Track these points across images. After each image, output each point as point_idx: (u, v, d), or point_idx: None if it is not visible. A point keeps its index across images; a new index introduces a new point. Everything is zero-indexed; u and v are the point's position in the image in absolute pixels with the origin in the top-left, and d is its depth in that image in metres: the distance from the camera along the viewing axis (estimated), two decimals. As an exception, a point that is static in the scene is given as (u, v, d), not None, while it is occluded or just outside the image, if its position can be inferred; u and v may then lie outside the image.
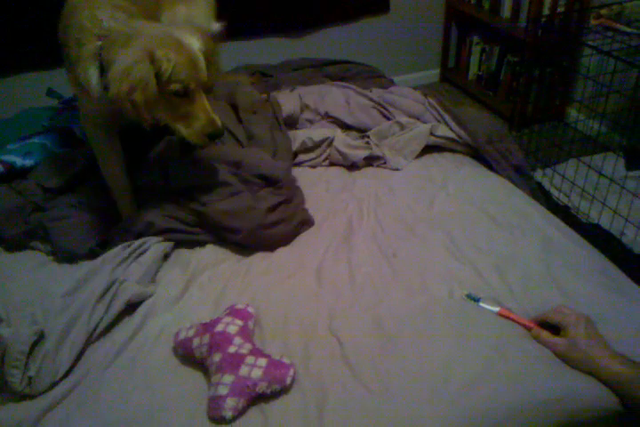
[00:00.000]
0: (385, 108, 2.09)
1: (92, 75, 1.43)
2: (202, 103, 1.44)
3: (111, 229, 1.65)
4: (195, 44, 1.42)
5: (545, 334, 1.24)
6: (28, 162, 1.93)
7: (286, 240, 1.64)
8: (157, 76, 1.34)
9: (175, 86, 1.37)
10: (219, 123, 1.47)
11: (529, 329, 1.28)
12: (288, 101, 2.14)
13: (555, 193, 2.48)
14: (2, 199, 1.77)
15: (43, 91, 2.48)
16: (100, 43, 1.41)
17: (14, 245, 1.69)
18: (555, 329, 1.24)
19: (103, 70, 1.41)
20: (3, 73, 2.85)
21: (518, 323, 1.29)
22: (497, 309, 1.33)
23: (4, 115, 2.42)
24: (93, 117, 1.62)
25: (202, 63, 1.42)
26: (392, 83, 2.48)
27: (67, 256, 1.61)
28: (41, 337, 1.29)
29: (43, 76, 2.89)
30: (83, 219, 1.68)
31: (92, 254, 1.58)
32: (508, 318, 1.31)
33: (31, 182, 1.84)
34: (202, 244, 1.64)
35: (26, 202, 1.77)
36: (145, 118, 1.39)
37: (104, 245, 1.61)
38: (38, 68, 2.90)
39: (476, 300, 1.35)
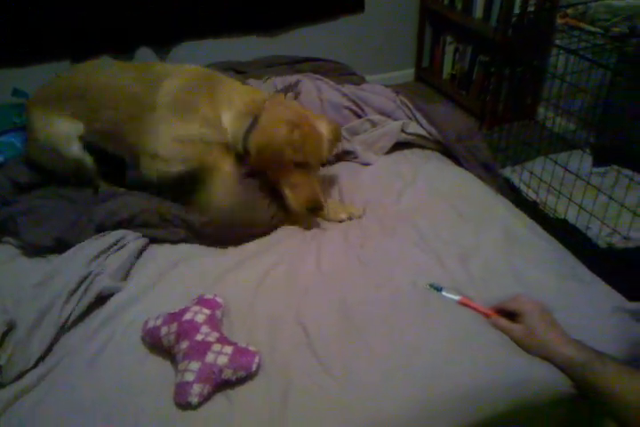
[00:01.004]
0: (357, 105, 2.12)
1: (242, 124, 1.68)
2: (313, 180, 1.67)
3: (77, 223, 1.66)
4: (324, 130, 1.70)
5: (502, 321, 1.29)
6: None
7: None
8: (290, 144, 1.58)
9: (300, 157, 1.61)
10: (321, 199, 1.66)
11: (488, 317, 1.32)
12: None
13: (524, 189, 2.53)
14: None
15: (9, 88, 2.48)
16: (257, 111, 1.68)
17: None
18: (512, 316, 1.29)
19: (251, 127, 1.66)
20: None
21: (478, 311, 1.34)
22: (458, 297, 1.37)
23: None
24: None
25: (325, 148, 1.70)
26: (364, 80, 2.51)
27: (34, 249, 1.62)
28: (12, 327, 1.31)
29: (10, 74, 2.90)
30: (49, 212, 1.69)
31: (59, 246, 1.59)
32: (468, 306, 1.35)
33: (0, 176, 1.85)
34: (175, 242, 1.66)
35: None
36: (269, 178, 1.67)
37: (70, 238, 1.61)
38: (10, 65, 2.90)
39: (439, 289, 1.40)
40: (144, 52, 3.17)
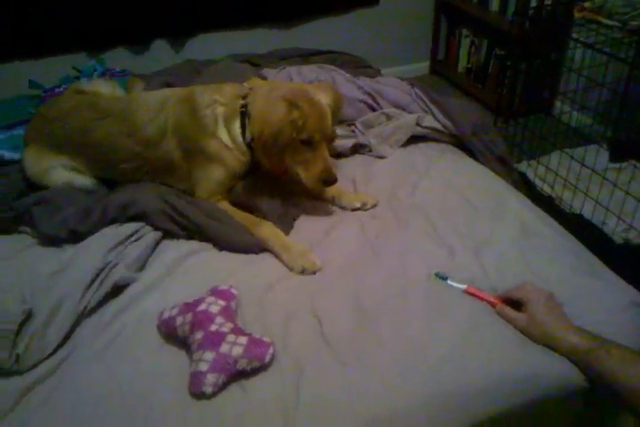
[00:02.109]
0: (372, 98, 2.11)
1: (237, 129, 1.63)
2: (322, 152, 1.61)
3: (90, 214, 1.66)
4: (324, 99, 1.62)
5: (508, 310, 1.29)
6: (17, 156, 1.97)
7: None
8: (291, 123, 1.52)
9: (304, 135, 1.55)
10: (334, 171, 1.63)
11: (493, 305, 1.33)
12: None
13: (539, 184, 2.51)
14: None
15: (26, 80, 2.51)
16: (243, 101, 1.62)
17: (2, 230, 1.71)
18: (518, 305, 1.29)
19: (244, 127, 1.62)
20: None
21: (484, 300, 1.34)
22: (464, 286, 1.38)
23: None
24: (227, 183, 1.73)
25: (329, 118, 1.62)
26: (379, 73, 2.50)
27: (49, 239, 1.63)
28: (29, 316, 1.33)
29: (27, 66, 2.92)
30: (63, 202, 1.71)
31: (74, 237, 1.60)
32: (474, 295, 1.36)
33: (17, 169, 1.88)
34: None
35: (12, 187, 1.81)
36: (279, 165, 1.61)
37: (84, 230, 1.62)
38: (23, 57, 2.91)
39: (444, 278, 1.41)
40: (159, 45, 3.17)
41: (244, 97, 1.63)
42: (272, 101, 1.54)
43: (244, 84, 1.69)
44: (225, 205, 1.67)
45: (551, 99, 3.34)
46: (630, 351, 1.11)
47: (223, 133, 1.65)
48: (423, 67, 4.01)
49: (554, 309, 1.24)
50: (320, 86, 1.69)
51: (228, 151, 1.65)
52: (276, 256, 1.53)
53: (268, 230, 1.56)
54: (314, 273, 1.48)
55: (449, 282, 1.39)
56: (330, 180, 1.62)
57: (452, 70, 3.87)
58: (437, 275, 1.42)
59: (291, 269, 1.50)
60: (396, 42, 3.77)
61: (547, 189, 2.47)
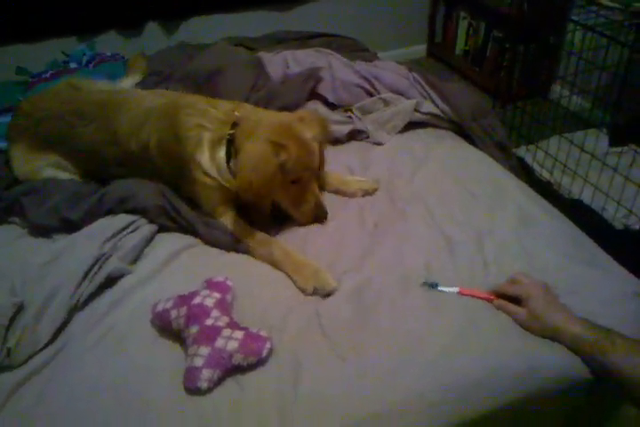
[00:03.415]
0: (369, 83, 2.07)
1: (222, 158, 1.54)
2: (312, 188, 1.57)
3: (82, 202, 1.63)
4: (309, 134, 1.52)
5: (507, 305, 1.27)
6: (3, 144, 1.93)
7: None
8: (280, 166, 1.44)
9: (293, 175, 1.49)
10: (325, 207, 1.59)
11: (490, 301, 1.30)
12: (273, 65, 2.16)
13: (537, 169, 2.48)
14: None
15: (18, 63, 2.45)
16: (230, 131, 1.52)
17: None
18: (516, 300, 1.26)
19: (229, 155, 1.52)
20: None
21: (480, 298, 1.31)
22: (456, 289, 1.34)
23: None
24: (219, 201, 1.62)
25: (316, 153, 1.55)
26: (376, 57, 2.45)
27: (40, 229, 1.60)
28: (20, 309, 1.29)
29: (16, 50, 2.86)
30: (52, 190, 1.67)
31: (66, 226, 1.57)
32: (468, 295, 1.32)
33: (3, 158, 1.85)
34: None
35: (1, 175, 1.79)
36: (266, 205, 1.52)
37: (77, 219, 1.58)
38: (16, 41, 2.85)
39: (434, 286, 1.35)
40: (152, 28, 3.12)
41: (232, 125, 1.52)
42: (257, 145, 1.43)
43: (233, 109, 1.58)
44: (229, 219, 1.59)
45: (548, 82, 3.30)
46: (635, 342, 1.10)
47: (205, 160, 1.55)
48: (420, 50, 3.96)
49: (553, 301, 1.22)
50: (304, 117, 1.56)
51: (211, 180, 1.56)
52: (288, 277, 1.44)
53: (277, 251, 1.48)
54: (328, 295, 1.37)
55: (440, 289, 1.34)
56: (321, 215, 1.58)
57: (450, 53, 3.83)
58: (426, 283, 1.36)
59: (302, 291, 1.39)
60: (393, 24, 3.72)
61: (545, 175, 2.44)
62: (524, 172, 2.27)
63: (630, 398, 1.10)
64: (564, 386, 1.18)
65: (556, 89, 3.20)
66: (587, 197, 2.25)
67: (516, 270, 1.35)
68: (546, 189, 2.28)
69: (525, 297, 1.23)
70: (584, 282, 1.34)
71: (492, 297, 1.30)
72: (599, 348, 1.11)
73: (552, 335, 1.19)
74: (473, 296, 1.32)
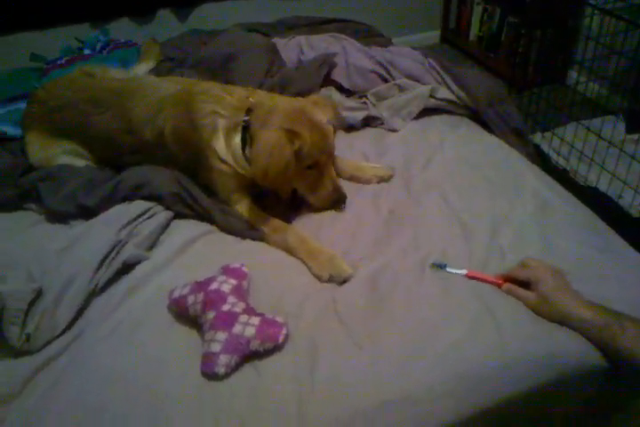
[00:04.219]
0: (384, 68, 2.05)
1: (237, 144, 1.52)
2: (329, 173, 1.55)
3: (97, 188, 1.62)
4: (324, 117, 1.52)
5: (516, 289, 1.26)
6: (19, 132, 1.93)
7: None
8: (295, 153, 1.42)
9: (309, 161, 1.48)
10: (343, 190, 1.58)
11: (499, 286, 1.29)
12: (287, 50, 2.15)
13: (553, 156, 2.46)
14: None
15: (33, 50, 2.45)
16: (245, 117, 1.50)
17: (8, 206, 1.68)
18: (525, 284, 1.26)
19: (245, 141, 1.51)
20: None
21: (487, 282, 1.31)
22: (464, 271, 1.33)
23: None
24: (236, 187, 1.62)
25: (331, 137, 1.54)
26: (390, 42, 2.43)
27: (57, 215, 1.60)
28: (39, 294, 1.30)
29: (29, 37, 2.86)
30: (68, 176, 1.67)
31: (82, 213, 1.58)
32: (476, 278, 1.32)
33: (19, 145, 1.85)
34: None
35: (18, 162, 1.78)
36: (285, 191, 1.52)
37: (94, 205, 1.58)
38: (29, 28, 2.85)
39: (442, 266, 1.36)
40: (164, 15, 3.11)
41: (247, 111, 1.51)
42: (272, 133, 1.41)
43: (247, 95, 1.56)
44: (244, 206, 1.59)
45: (564, 68, 3.26)
46: None
47: (221, 147, 1.54)
48: (434, 35, 3.93)
49: (563, 285, 1.21)
50: (317, 102, 1.58)
51: (227, 167, 1.56)
52: (304, 263, 1.43)
53: (293, 238, 1.47)
54: (343, 281, 1.36)
55: (448, 270, 1.35)
56: (340, 199, 1.57)
57: (464, 39, 3.79)
58: (434, 264, 1.36)
59: (318, 278, 1.38)
60: (407, 10, 3.70)
61: (561, 162, 2.42)
62: (539, 159, 2.25)
63: None
64: (581, 372, 1.16)
65: (573, 75, 3.16)
66: (603, 184, 2.23)
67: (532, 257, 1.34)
68: (562, 177, 2.26)
69: (534, 281, 1.23)
70: (600, 268, 1.33)
71: (500, 281, 1.30)
72: (608, 332, 1.11)
73: (561, 320, 1.18)
74: (480, 279, 1.32)
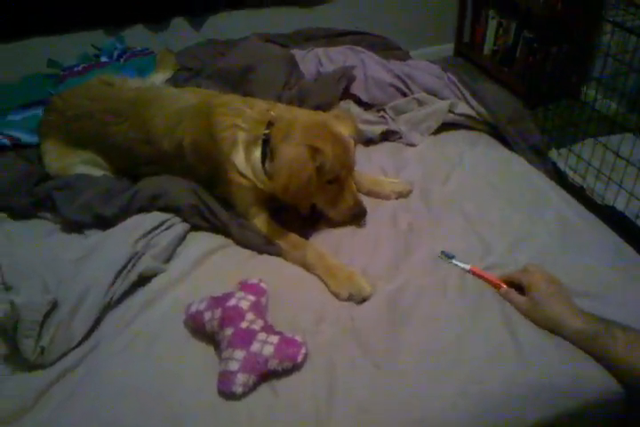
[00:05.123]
0: (403, 82, 2.04)
1: (257, 158, 1.50)
2: (350, 187, 1.53)
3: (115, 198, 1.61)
4: (345, 131, 1.50)
5: (512, 294, 1.27)
6: (35, 139, 1.92)
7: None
8: (317, 169, 1.41)
9: (330, 176, 1.45)
10: (363, 205, 1.55)
11: (498, 287, 1.31)
12: (305, 62, 2.15)
13: (569, 174, 2.44)
14: (10, 168, 1.76)
15: (48, 56, 2.45)
16: (266, 131, 1.48)
17: (22, 215, 1.67)
18: (522, 288, 1.27)
19: (265, 155, 1.49)
20: (8, 37, 2.76)
21: (488, 281, 1.33)
22: (468, 266, 1.37)
23: (8, 80, 2.39)
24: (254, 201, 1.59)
25: (352, 151, 1.51)
26: (408, 55, 2.42)
27: (72, 224, 1.59)
28: (54, 306, 1.27)
29: (43, 43, 2.84)
30: (87, 188, 1.65)
31: (99, 222, 1.56)
32: (479, 275, 1.35)
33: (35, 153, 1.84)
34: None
35: (33, 170, 1.77)
36: (305, 206, 1.50)
37: (110, 215, 1.56)
38: (44, 33, 2.83)
39: (450, 257, 1.40)
40: (178, 23, 3.10)
41: (268, 124, 1.49)
42: (293, 148, 1.39)
43: (268, 108, 1.54)
44: (262, 220, 1.57)
45: (579, 84, 3.24)
46: (635, 334, 1.09)
47: (240, 161, 1.52)
48: (447, 48, 3.92)
49: (557, 293, 1.21)
50: (338, 115, 1.57)
51: (246, 181, 1.54)
52: (322, 281, 1.41)
53: (311, 254, 1.44)
54: (363, 300, 1.33)
55: (454, 262, 1.39)
56: (360, 214, 1.55)
57: (478, 53, 3.78)
58: (443, 253, 1.41)
59: (336, 296, 1.35)
60: (420, 23, 3.68)
61: (578, 180, 2.39)
62: (556, 176, 2.23)
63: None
64: (604, 401, 1.13)
65: (588, 91, 3.15)
66: (621, 203, 2.20)
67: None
68: (578, 195, 2.23)
69: (528, 285, 1.23)
70: (625, 293, 1.30)
71: (499, 282, 1.31)
72: (599, 343, 1.11)
73: (553, 328, 1.19)
74: (483, 277, 1.34)
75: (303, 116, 1.51)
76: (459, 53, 3.92)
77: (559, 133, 2.54)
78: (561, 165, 2.46)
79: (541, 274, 1.25)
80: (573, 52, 3.10)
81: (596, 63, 3.01)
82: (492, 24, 3.59)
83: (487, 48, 3.71)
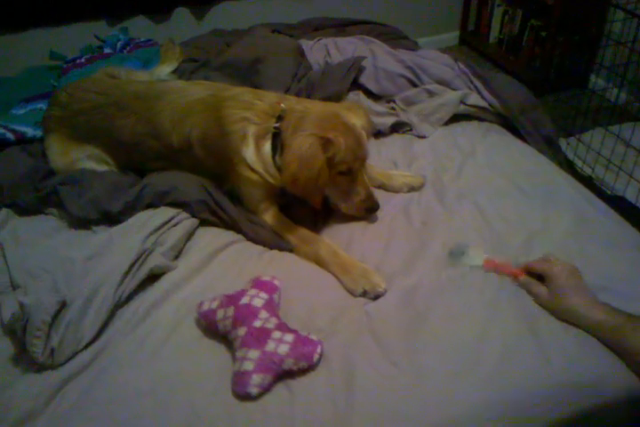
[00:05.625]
0: (413, 73, 2.00)
1: (268, 152, 1.47)
2: (362, 179, 1.49)
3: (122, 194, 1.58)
4: (358, 122, 1.47)
5: (533, 283, 1.25)
6: (39, 133, 1.89)
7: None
8: (328, 160, 1.37)
9: (342, 167, 1.42)
10: (376, 198, 1.51)
11: (516, 277, 1.28)
12: (313, 53, 2.12)
13: (578, 163, 2.41)
14: (15, 164, 1.73)
15: (50, 48, 2.41)
16: (277, 124, 1.45)
17: (28, 211, 1.64)
18: (541, 278, 1.25)
19: (275, 149, 1.46)
20: (9, 29, 2.73)
21: (505, 272, 1.30)
22: (481, 261, 1.34)
23: (10, 72, 2.36)
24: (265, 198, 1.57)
25: (365, 142, 1.47)
26: (416, 45, 2.39)
27: (78, 220, 1.56)
28: (63, 306, 1.25)
29: (45, 34, 2.80)
30: (90, 181, 1.63)
31: (106, 218, 1.54)
32: (494, 266, 1.32)
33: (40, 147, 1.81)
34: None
35: (38, 165, 1.74)
36: (316, 199, 1.44)
37: (116, 212, 1.54)
38: (45, 24, 2.79)
39: (459, 254, 1.36)
40: (181, 12, 3.05)
41: (278, 117, 1.46)
42: (303, 140, 1.35)
43: (278, 101, 1.51)
44: (272, 215, 1.55)
45: (586, 72, 3.20)
46: None
47: (250, 155, 1.49)
48: (452, 37, 3.88)
49: (577, 284, 1.20)
50: (351, 107, 1.55)
51: (256, 175, 1.51)
52: (335, 277, 1.39)
53: (324, 250, 1.42)
54: (377, 297, 1.32)
55: (464, 260, 1.35)
56: (373, 207, 1.52)
57: (483, 41, 3.73)
58: (451, 254, 1.37)
59: (351, 293, 1.33)
60: (425, 11, 3.64)
61: (586, 170, 2.36)
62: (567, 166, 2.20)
63: None
64: (627, 398, 1.11)
65: (595, 79, 3.11)
66: (631, 193, 2.17)
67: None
68: (587, 185, 2.21)
69: (549, 275, 1.22)
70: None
71: (518, 273, 1.29)
72: (620, 333, 1.10)
73: (571, 319, 1.18)
74: (499, 268, 1.31)
75: (314, 107, 1.48)
76: (463, 42, 3.87)
77: (567, 123, 2.51)
78: (569, 155, 2.42)
79: (563, 265, 1.23)
80: (582, 40, 3.06)
81: (605, 52, 2.97)
82: (498, 12, 3.55)
83: (493, 36, 3.66)
